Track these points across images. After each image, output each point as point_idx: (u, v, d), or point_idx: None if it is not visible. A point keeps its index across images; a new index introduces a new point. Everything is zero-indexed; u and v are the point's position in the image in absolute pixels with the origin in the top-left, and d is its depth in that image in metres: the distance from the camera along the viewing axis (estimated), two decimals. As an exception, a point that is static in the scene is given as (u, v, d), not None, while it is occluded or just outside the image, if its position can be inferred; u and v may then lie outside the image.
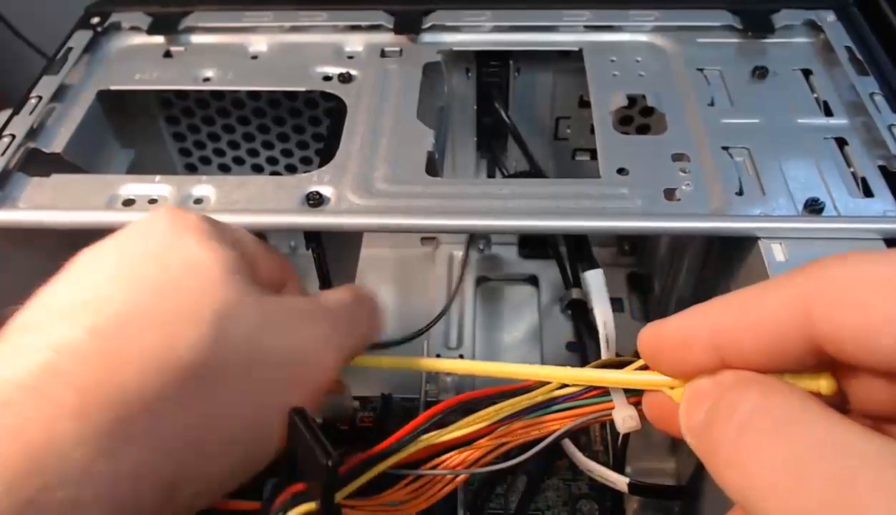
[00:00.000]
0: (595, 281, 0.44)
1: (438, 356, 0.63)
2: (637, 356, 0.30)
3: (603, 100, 0.48)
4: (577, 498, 0.52)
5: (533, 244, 0.70)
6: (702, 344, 0.23)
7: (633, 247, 0.70)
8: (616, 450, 0.45)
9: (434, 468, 0.31)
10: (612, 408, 0.30)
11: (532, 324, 0.66)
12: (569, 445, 0.41)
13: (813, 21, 0.52)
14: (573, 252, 0.50)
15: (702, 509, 0.43)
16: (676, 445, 0.56)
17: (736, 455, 0.20)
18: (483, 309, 0.68)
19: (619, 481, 0.40)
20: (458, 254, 0.71)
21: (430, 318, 0.66)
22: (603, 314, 0.42)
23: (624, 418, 0.29)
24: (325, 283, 0.47)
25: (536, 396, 0.32)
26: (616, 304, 0.67)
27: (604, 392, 0.30)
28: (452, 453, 0.31)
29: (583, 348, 0.56)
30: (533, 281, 0.69)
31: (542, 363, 0.63)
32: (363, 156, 0.45)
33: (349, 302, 0.34)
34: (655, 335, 0.25)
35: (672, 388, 0.26)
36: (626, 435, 0.46)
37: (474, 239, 0.71)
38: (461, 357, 0.63)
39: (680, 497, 0.43)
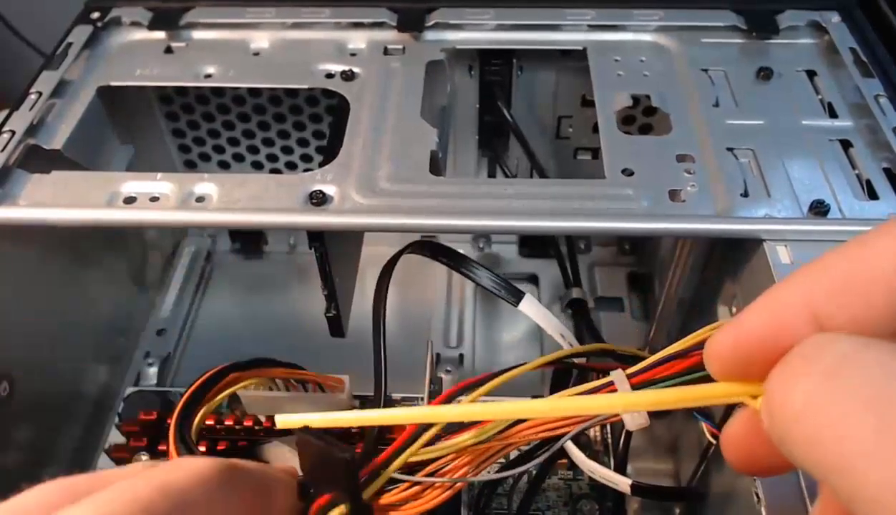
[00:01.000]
0: (530, 308, 0.43)
1: (438, 355, 0.62)
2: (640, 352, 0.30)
3: (607, 99, 0.48)
4: (577, 498, 0.52)
5: (533, 243, 0.70)
6: (800, 321, 0.18)
7: (634, 246, 0.70)
8: (617, 451, 0.45)
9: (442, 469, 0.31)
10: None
11: (532, 323, 0.66)
12: (571, 447, 0.41)
13: (817, 22, 0.52)
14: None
15: (704, 511, 0.43)
16: (676, 445, 0.56)
17: (820, 414, 0.15)
18: (483, 308, 0.68)
19: (622, 482, 0.40)
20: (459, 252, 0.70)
21: (429, 317, 0.66)
22: (555, 329, 0.42)
23: (632, 415, 0.29)
24: (328, 282, 0.46)
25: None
26: (616, 304, 0.67)
27: (612, 390, 0.30)
28: (461, 452, 0.31)
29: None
30: (533, 279, 0.69)
31: (543, 362, 0.63)
32: (366, 155, 0.45)
33: None
34: (739, 334, 0.19)
35: (756, 397, 0.20)
36: (628, 436, 0.46)
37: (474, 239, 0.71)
38: (461, 355, 0.62)
39: (682, 498, 0.43)
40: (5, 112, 0.47)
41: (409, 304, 0.66)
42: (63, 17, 0.55)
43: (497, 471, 0.42)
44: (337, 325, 0.48)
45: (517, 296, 0.43)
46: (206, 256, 0.71)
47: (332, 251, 0.46)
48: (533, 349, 0.65)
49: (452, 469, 0.32)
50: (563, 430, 0.31)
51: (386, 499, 0.31)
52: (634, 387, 0.31)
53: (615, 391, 0.31)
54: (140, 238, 0.65)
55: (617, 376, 0.32)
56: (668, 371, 0.31)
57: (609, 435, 0.55)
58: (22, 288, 0.48)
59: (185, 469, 0.23)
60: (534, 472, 0.49)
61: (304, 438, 0.29)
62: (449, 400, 0.34)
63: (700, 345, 0.32)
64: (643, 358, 0.35)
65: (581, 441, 0.54)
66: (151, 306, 0.67)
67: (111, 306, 0.60)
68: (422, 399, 0.48)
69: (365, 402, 0.54)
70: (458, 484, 0.32)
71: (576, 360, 0.39)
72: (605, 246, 0.71)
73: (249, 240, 0.71)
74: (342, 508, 0.28)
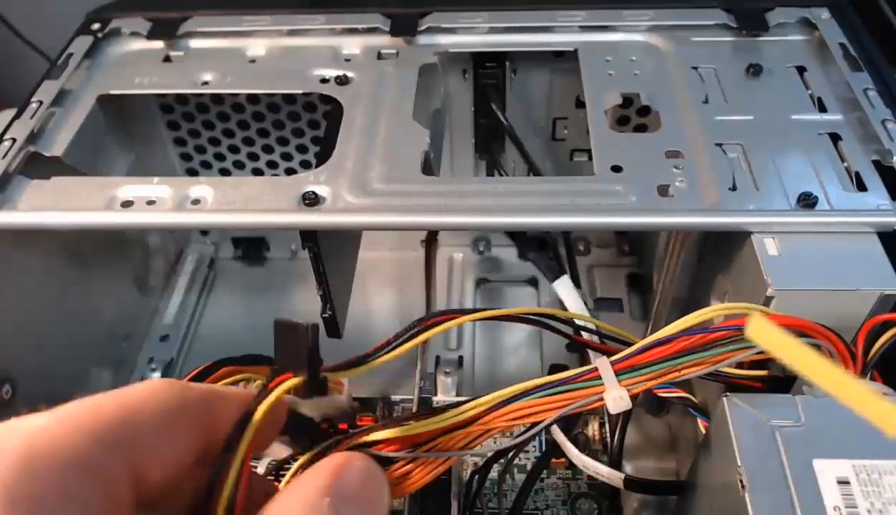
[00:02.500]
0: (564, 289, 0.44)
1: (438, 357, 0.63)
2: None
3: (598, 99, 0.48)
4: (576, 497, 0.52)
5: (532, 246, 0.70)
6: None
7: (633, 247, 0.70)
8: (612, 447, 0.45)
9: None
10: (604, 392, 0.31)
11: (532, 326, 0.66)
12: (564, 441, 0.41)
13: (807, 18, 0.52)
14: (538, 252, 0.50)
15: (698, 505, 0.43)
16: (676, 443, 0.56)
17: None
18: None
19: (614, 476, 0.41)
20: (458, 256, 0.71)
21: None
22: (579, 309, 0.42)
23: (615, 398, 0.30)
24: (323, 283, 0.47)
25: (529, 383, 0.32)
26: (616, 305, 0.67)
27: (595, 375, 0.31)
28: (443, 438, 0.31)
29: (583, 348, 0.57)
30: (532, 282, 0.69)
31: (542, 364, 0.63)
32: (359, 157, 0.46)
33: None
34: None
35: None
36: (623, 432, 0.46)
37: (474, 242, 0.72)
38: (461, 357, 0.63)
39: (675, 492, 0.43)
40: (6, 113, 0.48)
41: (409, 306, 0.67)
42: (64, 19, 0.56)
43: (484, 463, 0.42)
44: (333, 326, 0.49)
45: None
46: (209, 263, 0.72)
47: (327, 252, 0.47)
48: (533, 351, 0.65)
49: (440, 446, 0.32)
50: (544, 415, 0.32)
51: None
52: (618, 374, 0.31)
53: (598, 377, 0.31)
54: (143, 244, 0.66)
55: (601, 363, 0.32)
56: (652, 357, 0.32)
57: (608, 434, 0.55)
58: (25, 293, 0.49)
59: (139, 386, 0.25)
60: (511, 454, 0.49)
61: (278, 322, 0.30)
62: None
63: (684, 333, 0.33)
64: (628, 342, 0.35)
65: (580, 440, 0.55)
66: (155, 312, 0.67)
67: (114, 311, 0.61)
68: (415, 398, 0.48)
69: (364, 403, 0.55)
70: (443, 466, 0.32)
71: (555, 324, 0.39)
72: (604, 247, 0.71)
73: (251, 247, 0.72)
74: (298, 379, 0.29)
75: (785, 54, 0.51)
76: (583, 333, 0.42)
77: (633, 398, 0.31)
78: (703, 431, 0.42)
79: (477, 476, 0.45)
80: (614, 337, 0.40)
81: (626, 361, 0.32)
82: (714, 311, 0.34)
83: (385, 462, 0.31)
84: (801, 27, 0.52)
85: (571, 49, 0.53)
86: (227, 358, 0.40)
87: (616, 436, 0.44)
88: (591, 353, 0.41)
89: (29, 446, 0.21)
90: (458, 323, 0.34)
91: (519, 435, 0.33)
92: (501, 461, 0.48)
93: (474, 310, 0.37)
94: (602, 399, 0.31)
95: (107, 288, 0.60)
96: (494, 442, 0.42)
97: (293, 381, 0.29)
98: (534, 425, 0.32)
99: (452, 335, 0.65)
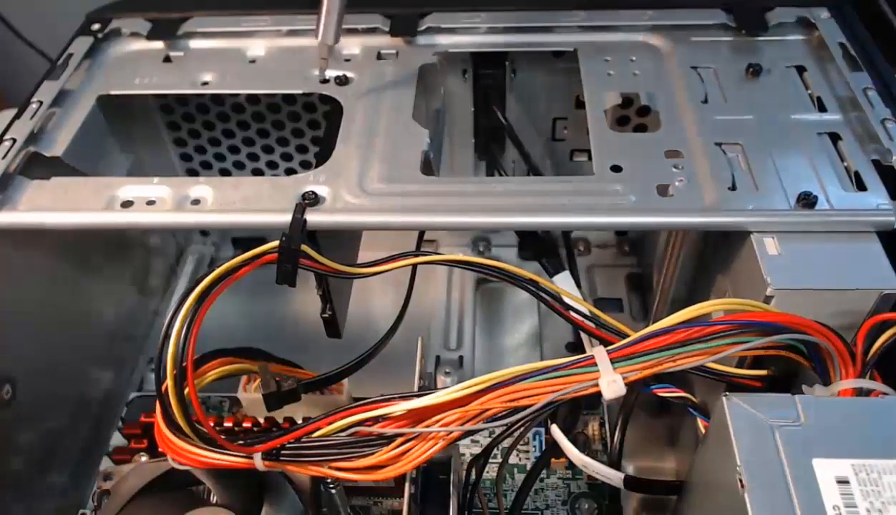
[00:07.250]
0: (564, 283, 0.45)
1: (438, 357, 0.63)
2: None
3: (597, 99, 0.48)
4: (575, 497, 0.52)
5: (532, 246, 0.70)
6: None
7: (633, 247, 0.70)
8: (612, 446, 0.45)
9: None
10: (598, 378, 0.31)
11: (532, 325, 0.67)
12: (563, 440, 0.41)
13: (806, 18, 0.52)
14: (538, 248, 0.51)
15: (698, 504, 0.43)
16: (676, 443, 0.56)
17: None
18: (483, 310, 0.68)
19: (614, 476, 0.41)
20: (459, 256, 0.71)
21: (429, 320, 0.66)
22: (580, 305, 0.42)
23: (608, 383, 0.30)
24: (323, 283, 0.47)
25: (526, 367, 0.32)
26: (616, 305, 0.67)
27: (591, 363, 0.31)
28: (438, 416, 0.32)
29: (583, 348, 0.56)
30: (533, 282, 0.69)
31: (542, 363, 0.63)
32: (359, 157, 0.46)
33: None
34: None
35: None
36: (623, 432, 0.46)
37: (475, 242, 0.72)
38: (461, 357, 0.63)
39: (675, 491, 0.43)
40: (6, 113, 0.48)
41: (409, 306, 0.66)
42: (63, 19, 0.56)
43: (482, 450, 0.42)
44: (333, 326, 0.49)
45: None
46: (209, 263, 0.72)
47: (328, 254, 0.47)
48: (533, 351, 0.65)
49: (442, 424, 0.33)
50: (539, 398, 0.32)
51: (366, 460, 0.32)
52: (614, 362, 0.32)
53: (594, 364, 0.31)
54: (143, 245, 0.66)
55: (597, 351, 0.32)
56: (649, 346, 0.32)
57: (607, 434, 0.55)
58: (25, 293, 0.49)
59: None
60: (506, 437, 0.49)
61: None
62: None
63: (683, 324, 0.33)
64: (625, 335, 0.35)
65: (580, 439, 0.55)
66: (155, 313, 0.67)
67: (115, 312, 0.61)
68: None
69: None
70: (441, 445, 0.33)
71: (535, 290, 0.40)
72: (604, 247, 0.71)
73: (251, 247, 0.72)
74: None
75: (784, 54, 0.51)
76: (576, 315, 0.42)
77: (630, 386, 0.31)
78: (703, 431, 0.42)
79: (475, 467, 0.45)
80: (612, 329, 0.40)
81: (623, 350, 0.32)
82: (713, 306, 0.34)
83: (386, 440, 0.31)
84: (800, 27, 0.52)
85: (571, 49, 0.53)
86: (220, 349, 0.40)
87: (616, 436, 0.44)
88: (587, 343, 0.41)
89: None
90: (435, 261, 0.37)
91: (517, 419, 0.33)
92: (499, 451, 0.47)
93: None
94: (597, 384, 0.31)
95: (107, 289, 0.60)
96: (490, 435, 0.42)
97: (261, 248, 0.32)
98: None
99: (452, 335, 0.65)
